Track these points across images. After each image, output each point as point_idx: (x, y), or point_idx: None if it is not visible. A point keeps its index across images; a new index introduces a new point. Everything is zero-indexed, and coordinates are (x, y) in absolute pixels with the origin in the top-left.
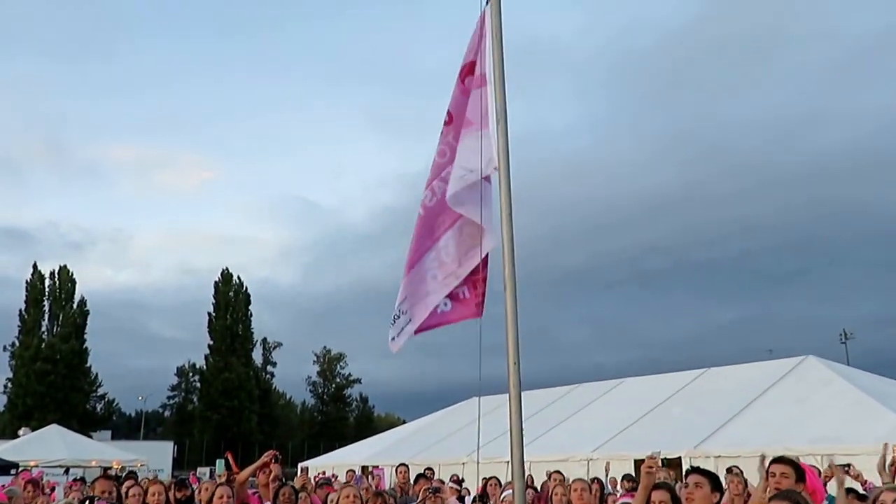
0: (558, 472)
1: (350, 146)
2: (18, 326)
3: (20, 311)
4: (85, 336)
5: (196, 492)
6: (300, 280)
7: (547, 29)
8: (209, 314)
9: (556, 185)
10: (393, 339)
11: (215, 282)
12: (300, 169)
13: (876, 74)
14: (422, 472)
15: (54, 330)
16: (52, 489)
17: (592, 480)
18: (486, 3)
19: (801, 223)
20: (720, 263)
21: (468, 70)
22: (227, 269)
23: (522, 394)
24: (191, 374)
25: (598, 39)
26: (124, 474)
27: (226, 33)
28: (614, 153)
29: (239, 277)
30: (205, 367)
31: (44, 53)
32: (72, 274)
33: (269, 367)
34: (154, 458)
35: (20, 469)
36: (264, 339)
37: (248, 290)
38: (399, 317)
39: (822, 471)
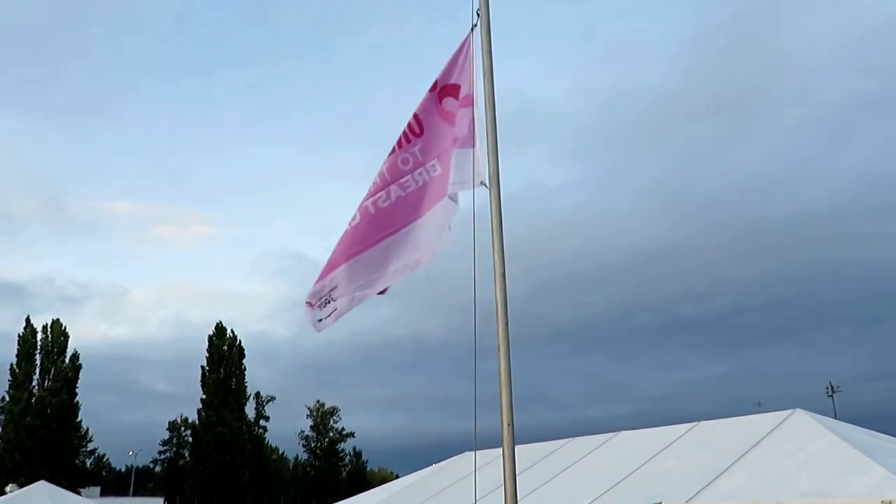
0: None
1: (344, 202)
2: (9, 381)
3: (11, 365)
4: (76, 390)
5: None
6: (294, 334)
7: (537, 92)
8: (202, 368)
9: (547, 241)
10: (320, 320)
11: (209, 336)
12: (295, 224)
13: (854, 135)
14: None
15: (45, 384)
16: None
17: None
18: (472, 29)
19: (788, 279)
20: (709, 319)
21: (448, 91)
22: (221, 322)
23: (514, 448)
24: (182, 429)
25: (587, 102)
26: None
27: (223, 92)
28: (604, 210)
29: (233, 331)
30: (197, 421)
31: (43, 111)
32: (64, 328)
33: (261, 422)
34: None
35: None
36: (257, 393)
37: (242, 344)
38: (328, 302)
39: None
